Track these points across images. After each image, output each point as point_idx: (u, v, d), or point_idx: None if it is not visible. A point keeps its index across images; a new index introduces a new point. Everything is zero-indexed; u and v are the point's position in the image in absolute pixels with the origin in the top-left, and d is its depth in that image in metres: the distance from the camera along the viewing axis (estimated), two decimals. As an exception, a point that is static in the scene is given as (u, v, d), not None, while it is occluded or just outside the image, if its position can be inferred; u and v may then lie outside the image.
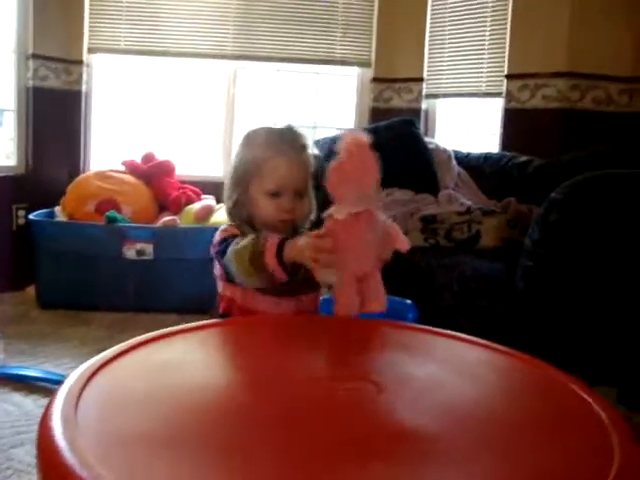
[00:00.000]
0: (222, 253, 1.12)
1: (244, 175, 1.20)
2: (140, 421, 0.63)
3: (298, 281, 1.10)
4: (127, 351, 0.79)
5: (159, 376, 0.75)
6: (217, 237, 1.18)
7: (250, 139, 1.23)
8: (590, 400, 0.76)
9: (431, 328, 1.04)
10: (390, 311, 1.57)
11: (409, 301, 1.74)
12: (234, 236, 1.14)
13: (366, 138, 1.00)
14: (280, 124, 1.26)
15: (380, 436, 0.65)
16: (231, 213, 1.24)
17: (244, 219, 1.21)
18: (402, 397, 0.76)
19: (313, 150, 1.24)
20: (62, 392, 0.65)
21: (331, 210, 1.02)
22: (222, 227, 1.20)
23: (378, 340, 1.01)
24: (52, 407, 0.61)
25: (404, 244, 1.07)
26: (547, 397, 0.82)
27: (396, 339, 1.02)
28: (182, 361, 0.81)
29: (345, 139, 1.00)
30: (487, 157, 2.98)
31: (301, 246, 1.02)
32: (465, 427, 0.69)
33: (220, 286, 1.22)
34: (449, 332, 1.03)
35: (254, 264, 1.05)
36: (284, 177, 1.16)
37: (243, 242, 1.09)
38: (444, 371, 0.87)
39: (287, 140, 1.19)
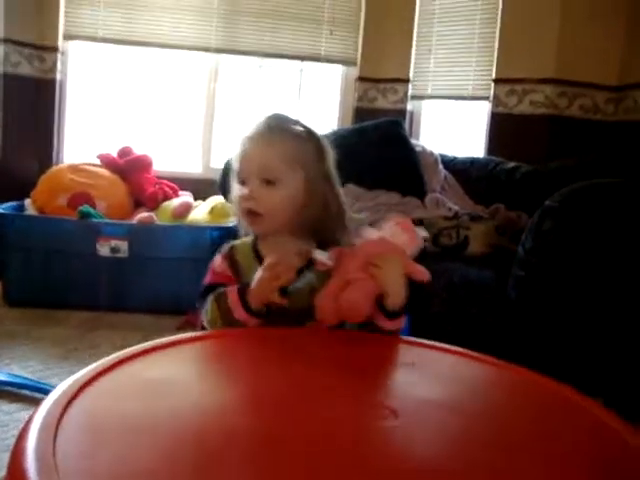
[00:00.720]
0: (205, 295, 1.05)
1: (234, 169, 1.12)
2: (130, 454, 0.54)
3: (295, 312, 1.01)
4: (110, 368, 0.70)
5: (150, 398, 0.66)
6: (206, 277, 1.09)
7: None
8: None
9: (438, 344, 0.96)
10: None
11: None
12: (220, 284, 1.05)
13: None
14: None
15: (402, 471, 0.58)
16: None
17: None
18: (421, 424, 0.68)
19: (309, 134, 1.10)
20: (36, 422, 0.55)
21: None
22: (214, 263, 1.10)
23: (383, 357, 0.93)
24: (24, 442, 0.51)
25: (424, 275, 1.00)
26: (557, 415, 0.76)
27: (400, 356, 0.94)
28: (174, 379, 0.72)
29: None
30: (474, 161, 2.93)
31: (258, 287, 0.96)
32: (498, 461, 0.62)
33: None
34: (456, 348, 0.97)
35: (227, 323, 0.99)
36: (247, 161, 1.06)
37: (208, 306, 1.02)
38: (458, 393, 0.80)
39: (263, 124, 1.09)
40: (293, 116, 1.14)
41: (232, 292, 0.99)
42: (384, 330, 0.98)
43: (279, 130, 1.08)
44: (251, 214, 1.06)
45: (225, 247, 1.12)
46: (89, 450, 0.54)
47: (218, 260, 1.10)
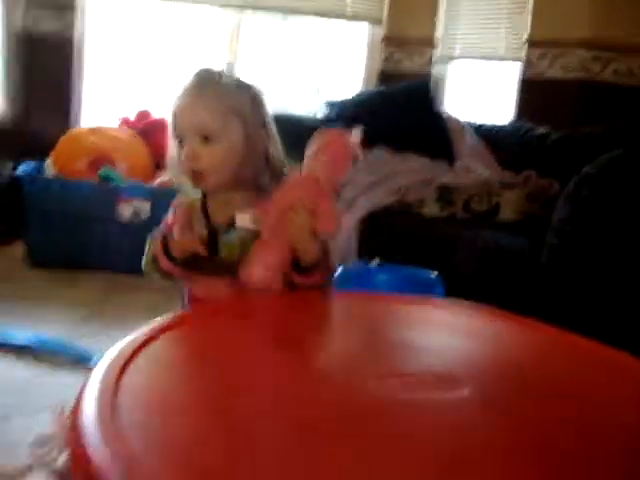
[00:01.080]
0: None
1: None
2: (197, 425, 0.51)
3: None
4: (159, 334, 0.66)
5: (210, 364, 0.63)
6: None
7: None
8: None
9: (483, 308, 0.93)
10: (416, 285, 1.45)
11: (435, 274, 1.63)
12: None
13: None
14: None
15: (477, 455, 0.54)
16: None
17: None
18: (490, 397, 0.65)
19: (240, 85, 1.07)
20: (90, 392, 0.52)
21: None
22: (168, 218, 1.10)
23: (423, 321, 0.90)
24: (83, 408, 0.48)
25: (329, 225, 0.93)
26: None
27: (454, 322, 0.91)
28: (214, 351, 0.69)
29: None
30: (502, 128, 2.86)
31: (179, 237, 1.01)
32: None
33: None
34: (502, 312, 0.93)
35: (155, 269, 1.06)
36: (181, 119, 1.03)
37: (146, 246, 1.08)
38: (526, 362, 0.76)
39: (193, 80, 1.06)
40: (224, 68, 1.10)
41: (157, 241, 1.04)
42: (301, 286, 0.98)
43: (210, 84, 1.05)
44: (194, 173, 1.04)
45: (177, 202, 1.12)
46: (147, 417, 0.50)
47: (171, 215, 1.10)
